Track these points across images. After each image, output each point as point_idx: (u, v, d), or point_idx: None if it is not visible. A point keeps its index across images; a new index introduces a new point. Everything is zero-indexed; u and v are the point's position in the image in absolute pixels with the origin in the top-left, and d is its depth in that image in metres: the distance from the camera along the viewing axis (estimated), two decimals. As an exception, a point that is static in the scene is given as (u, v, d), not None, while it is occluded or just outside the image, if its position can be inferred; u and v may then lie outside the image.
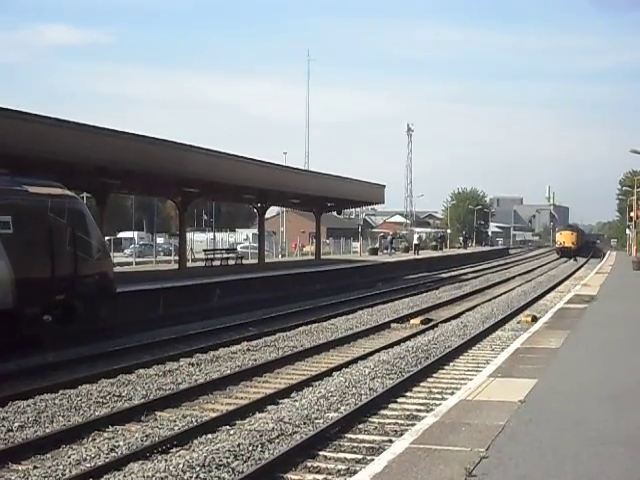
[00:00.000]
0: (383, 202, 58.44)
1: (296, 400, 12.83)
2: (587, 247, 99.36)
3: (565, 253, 77.80)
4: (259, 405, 12.49)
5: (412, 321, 23.41)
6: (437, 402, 11.90)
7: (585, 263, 64.93)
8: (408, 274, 47.49)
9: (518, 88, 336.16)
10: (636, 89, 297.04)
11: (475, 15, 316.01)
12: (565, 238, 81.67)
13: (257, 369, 15.72)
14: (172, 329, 21.29)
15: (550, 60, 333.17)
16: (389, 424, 11.18)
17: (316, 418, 11.43)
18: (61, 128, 23.84)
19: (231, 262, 42.75)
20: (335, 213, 64.31)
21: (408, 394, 13.34)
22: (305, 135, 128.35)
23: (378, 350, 17.90)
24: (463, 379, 14.14)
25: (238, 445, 9.77)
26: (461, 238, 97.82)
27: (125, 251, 60.09)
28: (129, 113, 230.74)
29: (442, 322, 23.29)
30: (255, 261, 46.47)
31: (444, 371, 15.60)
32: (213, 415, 11.85)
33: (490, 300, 30.89)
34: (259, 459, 9.39)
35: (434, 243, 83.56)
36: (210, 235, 70.19)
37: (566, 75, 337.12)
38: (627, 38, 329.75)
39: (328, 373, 15.21)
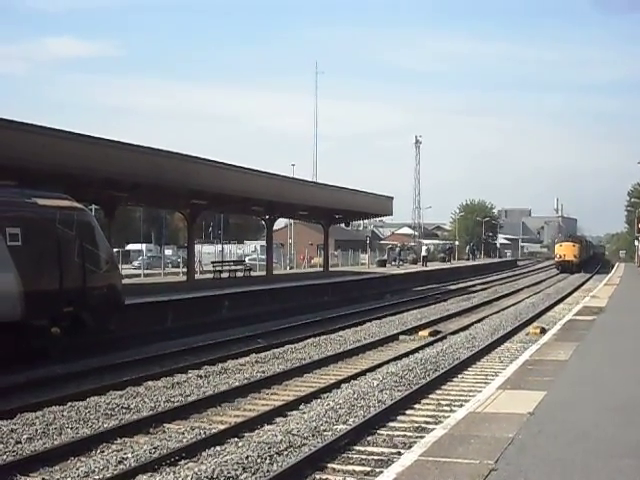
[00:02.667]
0: (391, 214, 58.52)
1: (304, 412, 12.82)
2: (594, 260, 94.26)
3: (566, 268, 69.61)
4: (267, 417, 12.48)
5: (420, 333, 23.37)
6: (446, 414, 11.88)
7: (592, 276, 62.12)
8: (416, 286, 47.44)
9: (523, 99, 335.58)
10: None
11: (480, 27, 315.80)
12: (566, 251, 72.30)
13: (265, 381, 15.71)
14: (180, 341, 21.30)
15: (554, 72, 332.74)
16: (398, 436, 11.15)
17: (325, 430, 11.41)
18: (70, 140, 23.91)
19: (239, 274, 42.79)
20: (343, 225, 64.28)
21: (417, 406, 13.32)
22: (313, 147, 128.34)
23: (386, 362, 17.87)
24: (472, 391, 14.10)
25: (246, 457, 9.76)
26: (468, 249, 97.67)
27: (133, 263, 60.20)
28: (133, 125, 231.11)
29: (451, 334, 23.27)
30: (263, 273, 46.49)
31: (453, 383, 15.57)
32: (221, 427, 11.84)
33: (498, 312, 30.83)
34: (267, 471, 9.37)
35: (442, 255, 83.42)
36: (218, 247, 70.29)
37: (570, 86, 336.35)
38: (631, 49, 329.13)
39: (336, 385, 15.20)
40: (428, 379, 15.46)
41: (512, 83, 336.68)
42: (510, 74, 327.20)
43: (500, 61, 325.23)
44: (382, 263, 66.60)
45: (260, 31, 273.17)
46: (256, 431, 11.61)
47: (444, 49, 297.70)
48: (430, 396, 14.15)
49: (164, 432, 11.71)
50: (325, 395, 14.29)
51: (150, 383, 15.36)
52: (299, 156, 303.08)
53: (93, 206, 40.11)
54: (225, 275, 41.56)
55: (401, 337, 22.87)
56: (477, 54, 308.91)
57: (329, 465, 9.75)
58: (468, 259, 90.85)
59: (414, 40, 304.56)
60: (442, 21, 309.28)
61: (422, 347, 20.44)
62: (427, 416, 12.49)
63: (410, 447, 9.22)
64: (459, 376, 16.30)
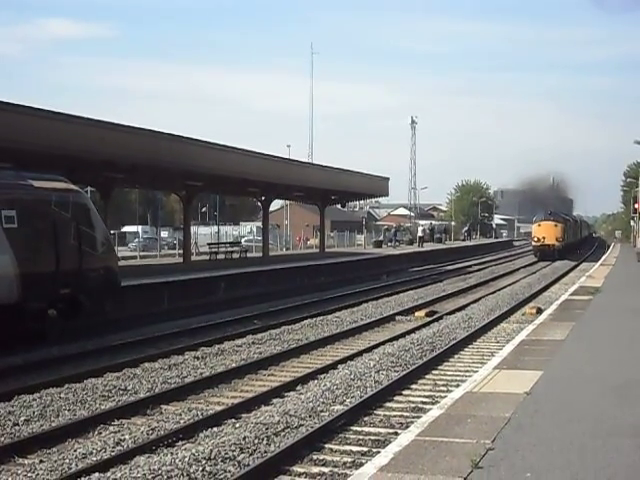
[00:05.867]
0: (387, 195, 58.52)
1: (301, 393, 12.84)
2: (587, 243, 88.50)
3: (545, 254, 55.32)
4: (265, 398, 12.50)
5: (417, 313, 23.38)
6: (442, 394, 11.90)
7: (585, 258, 57.59)
8: (412, 267, 47.47)
9: (518, 80, 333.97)
10: (636, 80, 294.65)
11: (476, 8, 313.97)
12: (545, 232, 56.68)
13: (262, 362, 15.72)
14: (177, 323, 21.30)
15: (550, 52, 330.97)
16: (395, 416, 11.18)
17: (322, 411, 11.43)
18: (66, 122, 23.85)
19: (235, 255, 42.82)
20: (339, 206, 64.26)
21: (413, 386, 13.34)
22: (309, 128, 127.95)
23: (383, 343, 17.89)
24: (468, 371, 14.13)
25: (244, 438, 9.78)
26: (464, 230, 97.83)
27: (129, 245, 60.14)
28: (131, 107, 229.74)
29: (447, 314, 23.28)
30: (259, 254, 46.49)
31: (449, 363, 15.60)
32: (219, 408, 11.86)
33: (495, 292, 30.86)
34: (265, 452, 9.39)
35: (438, 235, 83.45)
36: (214, 229, 70.19)
37: (566, 66, 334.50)
38: (626, 28, 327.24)
39: (333, 366, 15.21)
40: (425, 359, 15.47)
41: (509, 64, 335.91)
42: (507, 55, 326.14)
43: (498, 42, 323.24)
44: (378, 244, 66.66)
45: (259, 14, 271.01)
46: (253, 412, 11.62)
47: (443, 30, 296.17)
48: (427, 376, 14.18)
49: (161, 413, 11.73)
50: (322, 376, 14.31)
51: (147, 365, 15.37)
52: (297, 137, 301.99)
53: (89, 188, 40.00)
54: (221, 256, 41.56)
55: (397, 318, 22.89)
56: (475, 35, 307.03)
57: (326, 445, 9.77)
58: (464, 239, 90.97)
59: (413, 21, 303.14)
60: (440, 3, 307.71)
61: (418, 327, 20.47)
62: (424, 396, 12.52)
63: (407, 427, 9.25)
64: (455, 356, 16.33)
